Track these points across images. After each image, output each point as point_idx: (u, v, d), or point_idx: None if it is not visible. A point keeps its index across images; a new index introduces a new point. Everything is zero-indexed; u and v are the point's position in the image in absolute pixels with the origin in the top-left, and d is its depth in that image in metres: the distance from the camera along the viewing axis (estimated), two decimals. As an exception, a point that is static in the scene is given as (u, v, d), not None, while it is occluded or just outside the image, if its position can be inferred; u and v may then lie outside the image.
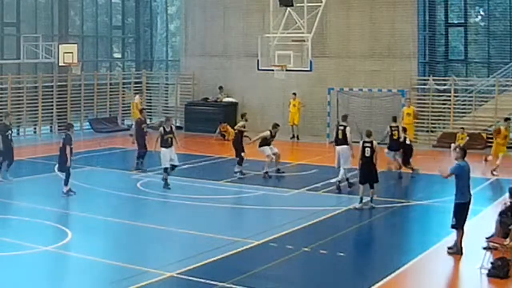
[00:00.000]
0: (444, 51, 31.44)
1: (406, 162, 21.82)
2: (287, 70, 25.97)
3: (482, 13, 31.10)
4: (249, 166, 22.71)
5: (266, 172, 21.46)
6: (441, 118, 29.36)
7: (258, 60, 26.90)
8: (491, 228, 14.10)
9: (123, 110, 34.90)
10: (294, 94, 30.52)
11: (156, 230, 15.54)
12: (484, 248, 13.24)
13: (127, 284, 11.74)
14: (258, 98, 32.28)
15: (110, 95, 34.45)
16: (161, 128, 20.16)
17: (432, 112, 29.26)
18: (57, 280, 12.55)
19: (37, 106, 31.09)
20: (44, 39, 29.57)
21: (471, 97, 28.66)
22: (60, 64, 29.39)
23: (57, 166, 19.52)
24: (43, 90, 31.38)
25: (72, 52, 28.87)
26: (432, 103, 29.33)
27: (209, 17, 33.94)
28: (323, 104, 30.27)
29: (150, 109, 34.87)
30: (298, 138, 30.47)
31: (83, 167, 22.01)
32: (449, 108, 28.82)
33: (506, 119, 23.33)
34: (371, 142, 17.71)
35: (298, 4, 26.15)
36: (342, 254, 13.95)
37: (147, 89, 35.52)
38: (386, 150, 21.57)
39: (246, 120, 22.43)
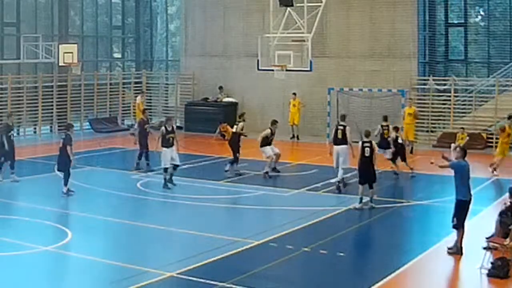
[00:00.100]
0: (444, 51, 31.45)
1: (403, 160, 21.89)
2: (287, 70, 25.97)
3: (482, 13, 31.10)
4: (249, 166, 22.75)
5: (266, 172, 21.47)
6: (441, 118, 29.36)
7: (258, 60, 26.90)
8: (491, 228, 14.10)
9: (123, 110, 34.91)
10: (294, 94, 30.53)
11: (156, 230, 15.54)
12: (484, 248, 13.24)
13: (127, 284, 11.74)
14: (258, 98, 32.29)
15: (110, 95, 34.45)
16: (163, 128, 20.15)
17: (432, 112, 29.26)
18: (57, 280, 12.55)
19: (37, 106, 31.09)
20: (44, 39, 29.58)
21: (471, 97, 28.66)
22: (60, 64, 29.40)
23: (56, 166, 19.49)
24: (43, 90, 31.38)
25: (72, 52, 28.88)
26: (432, 103, 29.33)
27: (209, 17, 33.95)
28: (323, 104, 30.28)
29: (150, 109, 34.81)
30: (298, 138, 30.47)
31: (83, 167, 22.00)
32: (449, 108, 28.82)
33: (510, 117, 23.25)
34: (370, 142, 17.76)
35: (298, 4, 26.15)
36: (342, 254, 13.94)
37: (147, 89, 35.48)
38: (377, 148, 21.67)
39: (244, 121, 22.43)
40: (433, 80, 29.30)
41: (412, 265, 13.27)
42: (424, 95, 29.57)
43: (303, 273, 13.16)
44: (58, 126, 31.12)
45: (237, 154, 21.76)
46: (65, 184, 18.66)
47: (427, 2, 30.73)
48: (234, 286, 11.72)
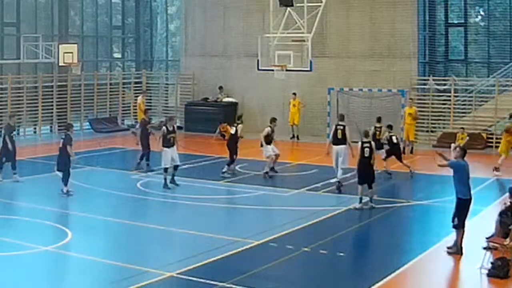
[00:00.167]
0: (444, 51, 31.45)
1: (399, 160, 21.87)
2: (287, 70, 25.95)
3: (482, 13, 31.11)
4: (249, 166, 22.75)
5: (266, 172, 21.47)
6: (441, 118, 29.36)
7: (258, 60, 26.88)
8: (491, 228, 14.11)
9: (123, 110, 34.91)
10: (294, 94, 30.53)
11: (156, 230, 15.54)
12: (484, 248, 13.25)
13: (127, 284, 11.75)
14: (258, 98, 32.29)
15: (110, 95, 34.45)
16: (164, 128, 20.11)
17: (432, 112, 29.26)
18: (57, 280, 12.55)
19: (37, 106, 31.09)
20: (44, 39, 29.58)
21: (471, 97, 28.66)
22: (60, 64, 29.39)
23: (55, 166, 19.48)
24: (43, 90, 31.38)
25: (72, 52, 28.87)
26: (432, 103, 29.33)
27: (209, 17, 33.94)
28: (323, 104, 30.28)
29: (151, 109, 34.77)
30: (298, 138, 30.47)
31: (83, 167, 21.99)
32: (449, 108, 28.82)
33: (511, 116, 23.19)
34: (369, 142, 17.78)
35: (298, 4, 26.14)
36: (342, 254, 13.95)
37: (147, 89, 35.48)
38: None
39: (242, 122, 22.39)
40: (433, 80, 29.30)
41: (412, 265, 13.27)
42: (424, 95, 29.57)
43: (303, 273, 13.16)
44: (58, 126, 31.12)
45: (234, 156, 21.75)
46: (65, 184, 18.67)
47: (427, 2, 30.73)
48: (234, 286, 11.72)
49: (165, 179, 19.83)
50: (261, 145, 21.72)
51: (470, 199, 13.77)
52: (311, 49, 25.58)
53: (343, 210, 17.54)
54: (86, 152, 25.77)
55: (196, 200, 18.41)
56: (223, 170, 21.63)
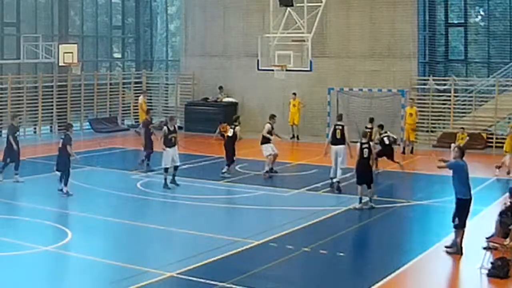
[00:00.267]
0: (444, 51, 31.45)
1: (391, 160, 21.85)
2: (287, 70, 25.95)
3: (482, 13, 31.11)
4: (249, 166, 22.74)
5: (267, 172, 21.47)
6: (441, 118, 29.36)
7: (258, 60, 26.88)
8: (491, 228, 14.11)
9: (123, 110, 34.92)
10: (294, 94, 30.53)
11: (156, 230, 15.54)
12: (484, 248, 13.25)
13: (127, 284, 11.75)
14: (258, 98, 32.29)
15: (110, 95, 34.45)
16: (165, 128, 20.10)
17: (432, 112, 29.26)
18: (57, 280, 12.56)
19: (37, 106, 31.08)
20: (44, 39, 29.57)
21: (471, 97, 28.66)
22: (60, 64, 29.38)
23: (55, 166, 19.47)
24: (43, 90, 31.38)
25: (72, 52, 28.86)
26: (432, 103, 29.33)
27: (209, 17, 33.94)
28: (323, 104, 30.27)
29: (151, 109, 34.75)
30: (298, 138, 30.47)
31: (83, 167, 21.98)
32: (449, 108, 28.81)
33: None
34: (368, 143, 17.80)
35: (298, 4, 26.13)
36: (342, 254, 13.95)
37: (147, 89, 35.48)
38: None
39: (239, 124, 22.31)
40: (433, 80, 29.29)
41: (412, 265, 13.27)
42: (424, 95, 29.57)
43: (303, 273, 13.16)
44: (58, 126, 31.12)
45: (233, 157, 21.72)
46: (65, 184, 18.67)
47: (427, 2, 30.73)
48: (234, 286, 11.73)
49: (165, 179, 19.83)
50: (261, 143, 21.62)
51: (470, 199, 13.77)
52: (311, 49, 25.57)
53: (343, 210, 17.54)
54: (86, 152, 25.75)
55: (196, 200, 18.41)
56: (223, 171, 21.62)
